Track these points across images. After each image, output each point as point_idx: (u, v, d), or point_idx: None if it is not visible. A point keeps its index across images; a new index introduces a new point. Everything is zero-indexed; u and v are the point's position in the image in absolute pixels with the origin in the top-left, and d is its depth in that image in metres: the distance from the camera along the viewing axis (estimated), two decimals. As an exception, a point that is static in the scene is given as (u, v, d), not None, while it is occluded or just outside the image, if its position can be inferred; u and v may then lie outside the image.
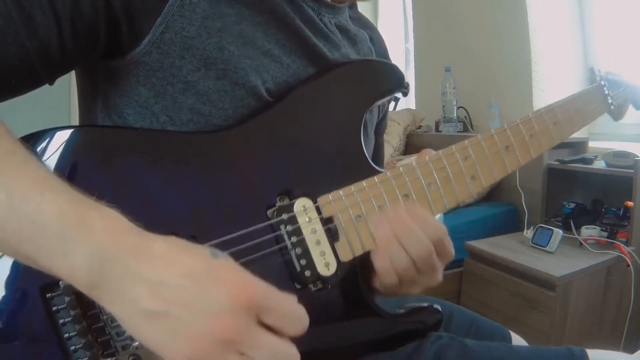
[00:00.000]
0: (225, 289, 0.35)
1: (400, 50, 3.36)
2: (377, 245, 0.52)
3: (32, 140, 0.46)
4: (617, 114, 0.79)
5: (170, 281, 0.35)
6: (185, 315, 0.34)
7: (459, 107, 2.40)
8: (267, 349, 0.36)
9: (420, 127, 2.71)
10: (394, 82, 0.59)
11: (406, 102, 3.16)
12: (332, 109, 0.55)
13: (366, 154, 0.56)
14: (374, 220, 0.52)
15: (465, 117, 2.43)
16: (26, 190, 0.37)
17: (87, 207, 0.37)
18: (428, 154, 0.57)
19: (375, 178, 0.54)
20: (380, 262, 0.52)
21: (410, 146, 2.65)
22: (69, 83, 0.57)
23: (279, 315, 0.37)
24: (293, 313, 0.38)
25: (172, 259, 0.36)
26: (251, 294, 0.35)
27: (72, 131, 0.47)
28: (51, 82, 0.47)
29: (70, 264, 0.35)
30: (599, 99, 0.75)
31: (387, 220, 0.51)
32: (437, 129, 2.52)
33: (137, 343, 0.45)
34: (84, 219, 0.36)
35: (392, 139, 2.55)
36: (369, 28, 0.71)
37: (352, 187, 0.53)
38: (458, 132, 2.37)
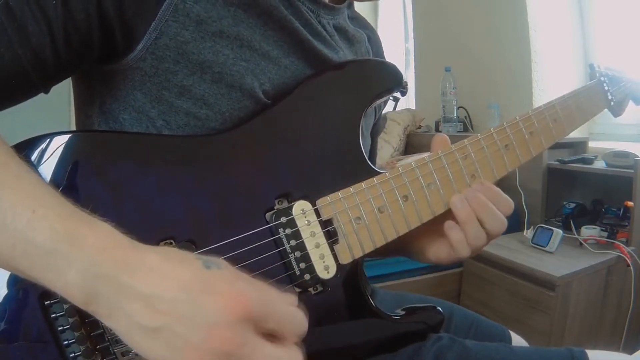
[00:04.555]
0: (220, 302, 0.35)
1: (400, 50, 3.35)
2: (459, 222, 0.55)
3: (30, 146, 0.45)
4: (617, 109, 0.78)
5: (165, 295, 0.34)
6: (182, 330, 0.34)
7: (459, 107, 2.40)
8: (266, 358, 0.35)
9: (420, 127, 2.71)
10: (392, 81, 0.58)
11: (406, 102, 3.16)
12: (329, 110, 0.55)
13: (365, 154, 0.56)
14: (454, 200, 0.55)
15: (465, 117, 2.42)
16: (18, 206, 0.37)
17: (78, 223, 0.37)
18: (442, 141, 0.58)
19: (375, 179, 0.54)
20: (457, 236, 0.55)
21: (410, 146, 2.65)
22: (69, 86, 0.57)
23: (277, 321, 0.36)
24: (291, 317, 0.37)
25: (165, 272, 0.36)
26: (246, 304, 0.35)
27: (70, 137, 0.47)
28: (46, 91, 0.47)
29: (64, 281, 0.35)
30: (599, 95, 0.74)
31: (466, 199, 0.55)
32: (437, 129, 2.52)
33: None
34: (76, 235, 0.36)
35: (392, 139, 2.55)
36: (367, 28, 0.71)
37: (351, 189, 0.53)
38: (458, 132, 2.36)
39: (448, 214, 0.56)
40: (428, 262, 0.60)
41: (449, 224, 0.55)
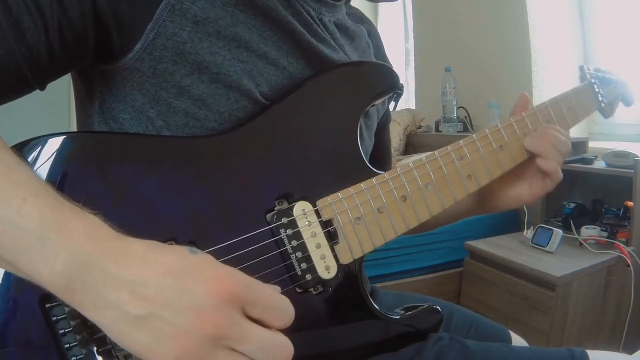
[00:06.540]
0: (206, 284, 0.34)
1: (400, 50, 3.36)
2: (542, 153, 0.62)
3: (28, 148, 0.45)
4: (607, 111, 0.79)
5: (151, 281, 0.34)
6: (168, 315, 0.34)
7: (459, 107, 2.41)
8: (256, 340, 0.35)
9: (420, 127, 2.71)
10: (389, 83, 0.59)
11: (406, 102, 3.16)
12: (328, 112, 0.55)
13: (363, 155, 0.56)
14: (528, 141, 0.63)
15: (465, 117, 2.43)
16: (9, 193, 0.37)
17: (68, 212, 0.37)
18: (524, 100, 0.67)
19: (373, 180, 0.54)
20: (549, 166, 0.62)
21: (410, 146, 2.65)
22: (69, 85, 0.57)
23: (264, 306, 0.36)
24: (277, 303, 0.37)
25: (151, 259, 0.35)
26: (233, 286, 0.35)
27: (68, 138, 0.46)
28: (42, 88, 0.47)
29: (51, 269, 0.35)
30: (590, 96, 0.75)
31: (544, 137, 0.63)
32: (437, 129, 2.52)
33: None
34: (65, 223, 0.36)
35: (392, 139, 2.53)
36: (366, 22, 0.72)
37: (351, 189, 0.53)
38: (458, 132, 2.37)
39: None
40: (510, 206, 0.69)
41: (538, 161, 0.62)
